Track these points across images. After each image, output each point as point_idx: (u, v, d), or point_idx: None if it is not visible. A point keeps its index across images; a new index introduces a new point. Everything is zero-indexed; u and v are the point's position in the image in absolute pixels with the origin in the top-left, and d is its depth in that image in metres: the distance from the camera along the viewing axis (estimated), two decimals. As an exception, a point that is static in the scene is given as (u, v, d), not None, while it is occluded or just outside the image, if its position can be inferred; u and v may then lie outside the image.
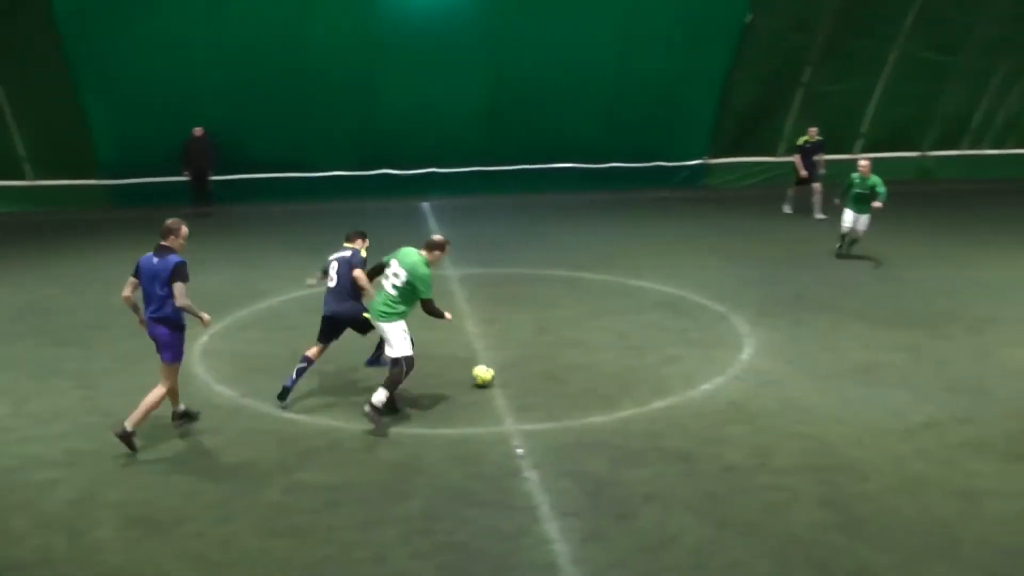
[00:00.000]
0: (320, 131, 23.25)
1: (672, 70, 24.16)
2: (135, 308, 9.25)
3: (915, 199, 23.82)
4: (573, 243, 18.77)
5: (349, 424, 9.79)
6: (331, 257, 10.83)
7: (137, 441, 9.14)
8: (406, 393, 10.45)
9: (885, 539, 7.48)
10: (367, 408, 9.55)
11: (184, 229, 9.24)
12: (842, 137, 26.66)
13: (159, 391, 9.21)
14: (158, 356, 9.28)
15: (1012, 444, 9.39)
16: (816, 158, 22.25)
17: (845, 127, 26.56)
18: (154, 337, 9.20)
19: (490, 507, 7.98)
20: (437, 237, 10.23)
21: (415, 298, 9.86)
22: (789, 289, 15.35)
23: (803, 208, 21.94)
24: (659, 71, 24.08)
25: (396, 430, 9.66)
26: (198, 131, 21.94)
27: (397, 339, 9.76)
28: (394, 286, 9.84)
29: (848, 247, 17.89)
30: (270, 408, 10.23)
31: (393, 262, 9.96)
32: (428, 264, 9.90)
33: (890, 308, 14.37)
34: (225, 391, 10.81)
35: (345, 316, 10.61)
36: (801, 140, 22.54)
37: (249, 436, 9.55)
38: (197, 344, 12.26)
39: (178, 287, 8.90)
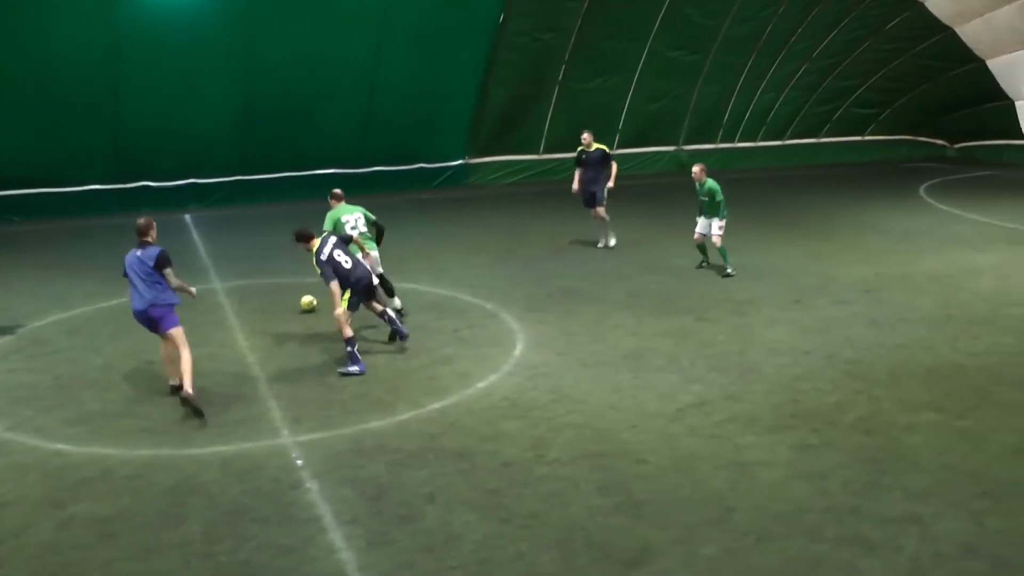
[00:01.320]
0: (70, 143, 22.08)
1: (428, 71, 24.37)
2: None
3: (672, 191, 24.97)
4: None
5: (119, 450, 9.37)
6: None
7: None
8: (174, 415, 10.16)
9: (664, 516, 7.79)
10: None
11: (154, 224, 10.97)
12: (601, 133, 27.62)
13: (187, 354, 10.37)
14: (161, 335, 10.58)
15: (776, 416, 9.99)
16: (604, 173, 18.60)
17: (603, 124, 27.48)
18: (155, 319, 10.41)
19: (271, 522, 7.82)
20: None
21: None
22: (556, 283, 15.77)
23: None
24: (415, 72, 24.25)
25: (169, 451, 9.33)
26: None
27: None
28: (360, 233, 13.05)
29: (707, 256, 16.88)
30: (36, 441, 9.66)
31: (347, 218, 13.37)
32: None
33: (654, 296, 15.00)
34: (-18, 426, 10.15)
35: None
36: (578, 149, 19.17)
37: (14, 472, 8.97)
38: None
39: (168, 271, 10.42)
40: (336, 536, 7.56)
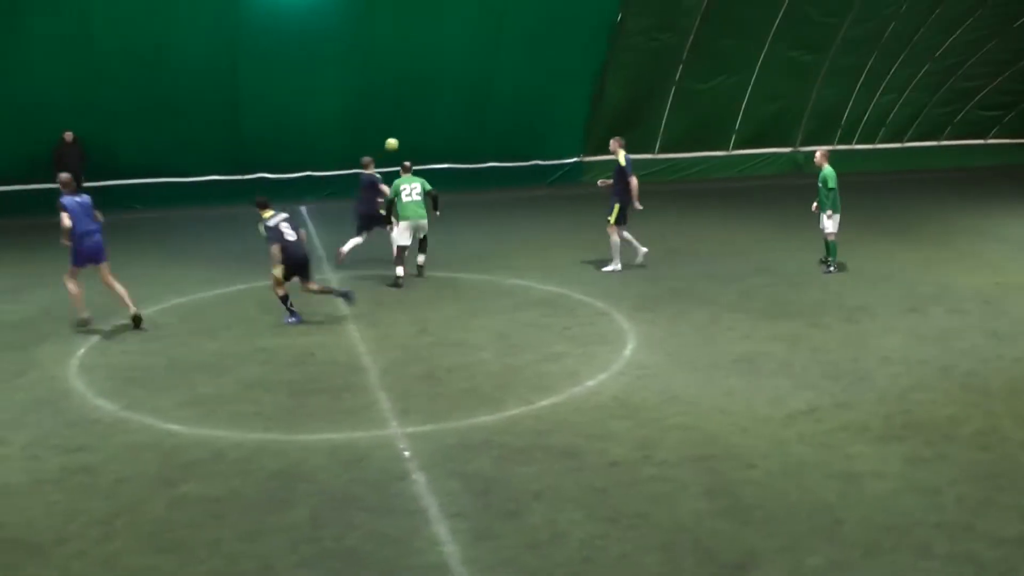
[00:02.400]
0: (191, 135, 22.87)
1: (544, 69, 24.49)
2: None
3: (789, 192, 24.61)
4: (451, 244, 18.81)
5: (230, 433, 9.66)
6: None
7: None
8: (285, 402, 10.44)
9: (770, 523, 7.72)
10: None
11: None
12: (718, 134, 27.47)
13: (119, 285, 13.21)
14: (99, 265, 13.10)
15: (887, 426, 9.79)
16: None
17: (719, 124, 27.32)
18: (98, 250, 13.15)
19: (377, 511, 7.97)
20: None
21: None
22: (667, 284, 15.72)
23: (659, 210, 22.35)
24: (531, 70, 24.41)
25: (279, 437, 9.58)
26: (69, 136, 21.35)
27: None
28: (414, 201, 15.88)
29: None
30: (151, 421, 10.03)
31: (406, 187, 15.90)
32: None
33: (767, 300, 14.83)
34: (104, 405, 10.55)
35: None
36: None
37: (129, 451, 9.34)
38: (74, 358, 11.99)
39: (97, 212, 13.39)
40: (441, 529, 7.66)
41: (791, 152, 29.67)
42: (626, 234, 16.85)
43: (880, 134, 31.14)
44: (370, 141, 23.69)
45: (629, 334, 12.94)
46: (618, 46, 24.87)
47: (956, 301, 14.82)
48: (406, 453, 9.14)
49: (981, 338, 12.94)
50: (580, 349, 12.31)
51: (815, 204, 16.98)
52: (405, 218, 15.81)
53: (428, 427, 9.78)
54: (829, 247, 16.43)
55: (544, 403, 10.41)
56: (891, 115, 30.87)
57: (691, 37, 25.59)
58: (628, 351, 12.23)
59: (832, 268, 16.38)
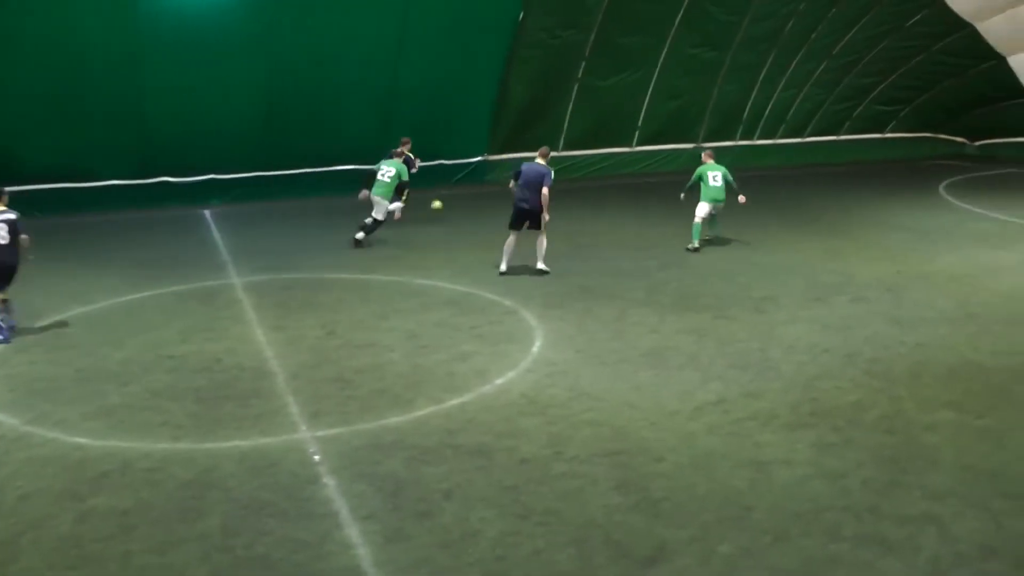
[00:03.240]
0: (92, 139, 22.10)
1: (448, 68, 24.39)
2: None
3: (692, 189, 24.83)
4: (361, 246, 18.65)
5: (139, 443, 9.40)
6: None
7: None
8: (193, 409, 10.22)
9: (681, 515, 7.77)
10: None
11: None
12: (620, 131, 27.65)
13: None
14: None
15: (794, 414, 9.96)
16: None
17: (623, 121, 27.48)
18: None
19: (289, 517, 7.83)
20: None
21: None
22: (575, 281, 15.76)
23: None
24: (435, 70, 24.26)
25: (188, 446, 9.36)
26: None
27: None
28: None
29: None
30: (56, 434, 9.70)
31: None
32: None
33: (673, 294, 14.98)
34: (6, 419, 10.15)
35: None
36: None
37: (33, 466, 9.00)
38: (-30, 371, 11.60)
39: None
40: (353, 532, 7.56)
41: (694, 148, 29.99)
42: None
43: (781, 129, 31.71)
44: (276, 142, 23.54)
45: (537, 331, 12.95)
46: (521, 44, 24.86)
47: (858, 290, 15.16)
48: (316, 457, 9.00)
49: (883, 325, 13.25)
50: (489, 348, 12.26)
51: (742, 197, 18.31)
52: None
53: (338, 430, 9.65)
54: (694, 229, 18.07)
55: (454, 402, 10.35)
56: (791, 111, 31.45)
57: (593, 35, 25.68)
58: (536, 348, 12.23)
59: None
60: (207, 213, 22.91)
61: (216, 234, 20.35)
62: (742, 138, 31.01)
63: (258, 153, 23.81)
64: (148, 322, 13.65)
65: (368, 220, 18.68)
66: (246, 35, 22.16)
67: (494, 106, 25.97)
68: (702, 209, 18.39)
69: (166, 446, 9.35)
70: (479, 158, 26.96)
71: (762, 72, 29.30)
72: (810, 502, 8.00)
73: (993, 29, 29.06)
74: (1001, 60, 30.34)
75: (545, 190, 15.62)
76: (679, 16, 26.25)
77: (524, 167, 16.18)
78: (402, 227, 20.14)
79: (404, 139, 20.10)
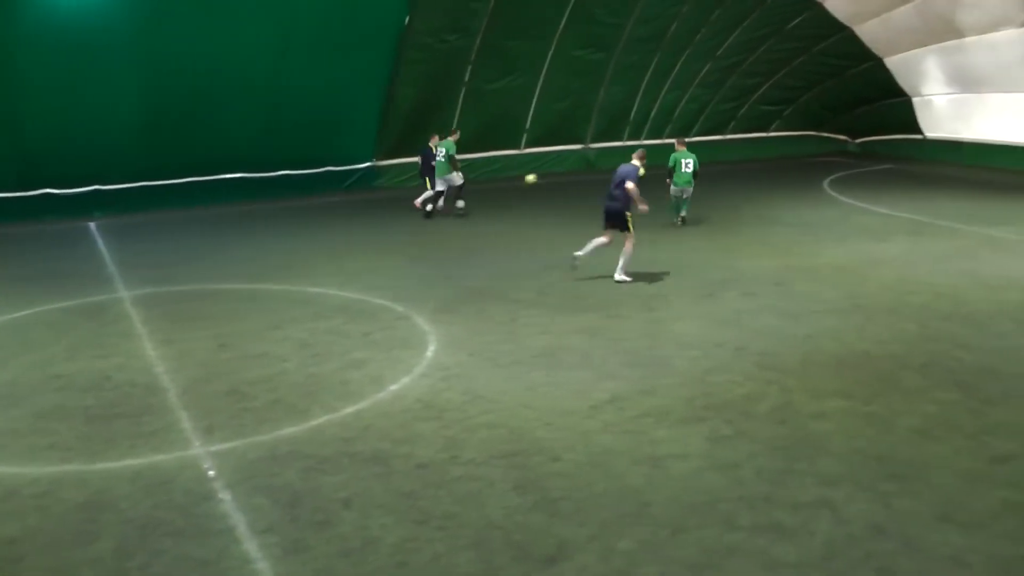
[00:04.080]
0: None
1: (334, 73, 24.12)
2: None
3: (581, 188, 25.16)
4: (249, 255, 18.37)
5: (25, 468, 9.07)
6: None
7: None
8: (83, 430, 9.93)
9: (579, 513, 7.81)
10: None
11: None
12: (508, 133, 27.72)
13: None
14: None
15: (688, 409, 10.10)
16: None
17: (510, 124, 27.56)
18: None
19: (184, 535, 7.65)
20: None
21: None
22: (466, 284, 15.76)
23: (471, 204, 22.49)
24: (321, 74, 23.97)
25: (78, 467, 9.07)
26: None
27: None
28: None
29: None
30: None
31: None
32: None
33: (564, 294, 15.07)
34: None
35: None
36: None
37: (-93, 495, 8.67)
38: None
39: None
40: (251, 546, 7.42)
41: (581, 149, 30.25)
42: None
43: (668, 129, 32.15)
44: (161, 151, 23.03)
45: (430, 336, 12.90)
46: (407, 48, 24.75)
47: (748, 285, 15.46)
48: (211, 472, 8.81)
49: (772, 318, 13.53)
50: (383, 354, 12.17)
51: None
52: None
53: (233, 444, 9.46)
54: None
55: (349, 410, 10.24)
56: (677, 111, 31.94)
57: (479, 38, 25.73)
58: (430, 353, 12.18)
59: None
60: (92, 225, 22.33)
61: (102, 247, 19.83)
62: (630, 138, 31.38)
63: (142, 162, 23.29)
64: (33, 340, 13.22)
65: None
66: (125, 41, 21.64)
67: (381, 111, 25.80)
68: (673, 192, 21.04)
69: (55, 469, 9.05)
70: (368, 164, 26.75)
71: (648, 73, 29.70)
72: (706, 494, 8.13)
73: (870, 32, 30.10)
74: (879, 61, 31.47)
75: (629, 184, 15.62)
76: (564, 19, 26.46)
77: (618, 169, 16.26)
78: (290, 235, 19.96)
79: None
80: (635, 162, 16.07)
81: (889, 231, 20.21)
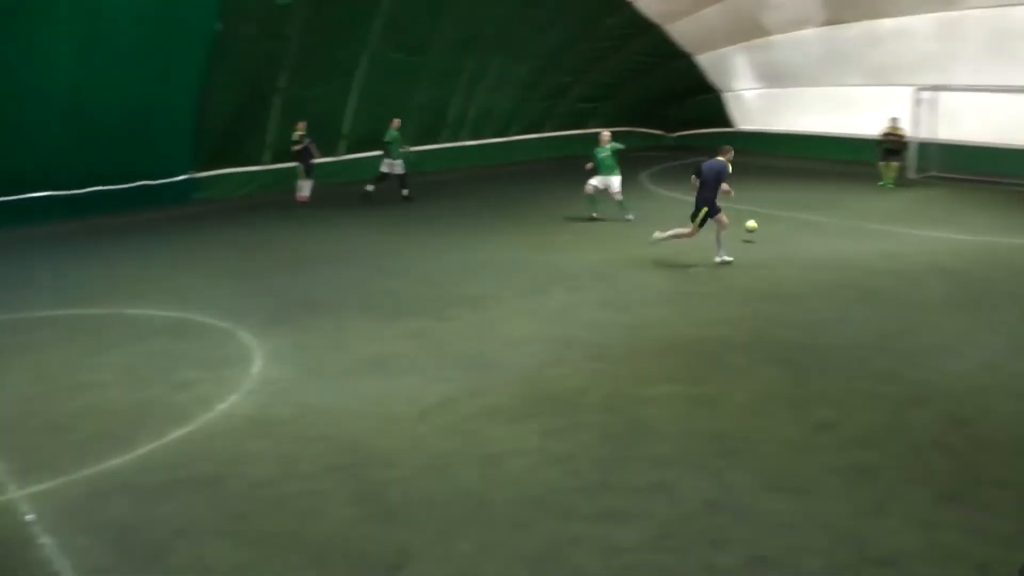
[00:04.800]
0: None
1: (143, 84, 23.09)
2: None
3: (397, 192, 25.05)
4: (63, 278, 17.52)
5: None
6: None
7: None
8: None
9: (418, 519, 7.79)
10: None
11: None
12: (326, 139, 27.31)
13: None
14: None
15: (521, 405, 10.22)
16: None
17: (327, 130, 27.15)
18: None
19: (4, 586, 7.27)
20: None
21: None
22: (290, 296, 15.42)
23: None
24: (130, 87, 22.90)
25: None
26: None
27: None
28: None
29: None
30: None
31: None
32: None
33: (391, 300, 14.98)
34: None
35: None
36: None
37: None
38: None
39: None
40: (80, 590, 7.09)
41: (401, 153, 30.00)
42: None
43: (486, 129, 32.33)
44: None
45: (257, 351, 12.58)
46: (222, 56, 23.97)
47: (573, 279, 15.72)
48: (29, 517, 8.30)
49: (598, 311, 13.80)
50: (209, 373, 11.78)
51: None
52: None
53: (53, 483, 8.94)
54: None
55: (177, 434, 9.89)
56: (494, 111, 32.14)
57: (294, 43, 25.22)
58: (257, 368, 11.88)
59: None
60: None
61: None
62: (449, 140, 31.44)
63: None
64: None
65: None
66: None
67: (197, 120, 24.89)
68: (590, 185, 21.57)
69: None
70: (185, 176, 25.80)
71: (464, 74, 29.78)
72: (543, 488, 8.22)
73: (680, 30, 31.20)
74: (690, 58, 32.69)
75: (724, 185, 16.81)
76: (378, 22, 26.25)
77: (704, 165, 16.98)
78: (107, 254, 19.23)
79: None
80: (721, 159, 17.10)
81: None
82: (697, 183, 16.79)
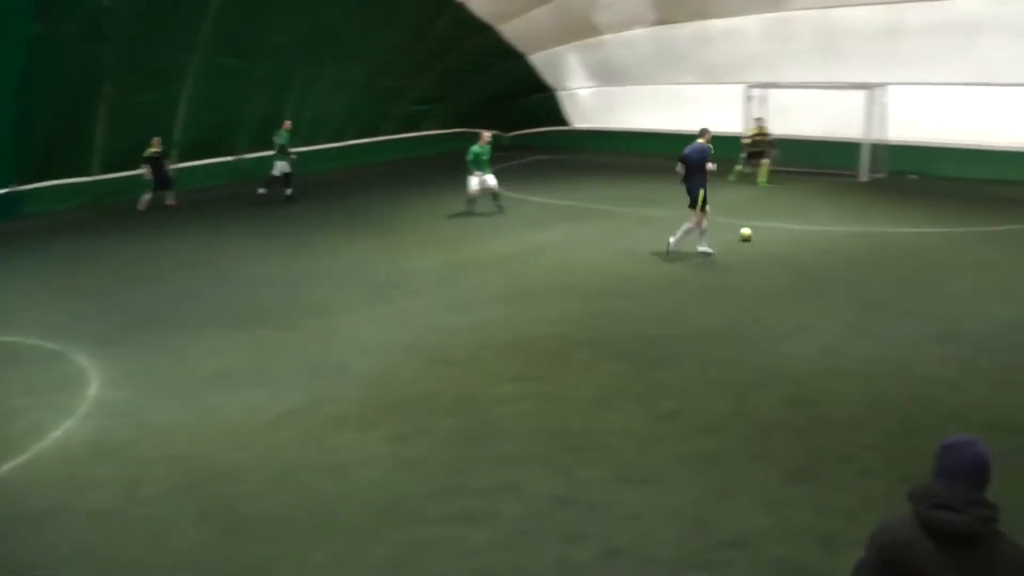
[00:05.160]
0: None
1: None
2: None
3: (233, 201, 24.59)
4: None
5: None
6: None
7: None
8: None
9: (270, 533, 7.68)
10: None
11: None
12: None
13: None
14: None
15: (368, 412, 10.19)
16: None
17: (160, 136, 26.21)
18: None
19: None
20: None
21: None
22: (126, 313, 14.84)
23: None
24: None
25: None
26: None
27: None
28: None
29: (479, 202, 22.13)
30: None
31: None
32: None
33: (233, 311, 14.64)
34: None
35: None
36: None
37: None
38: None
39: None
40: None
41: (235, 160, 29.37)
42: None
43: (322, 134, 31.96)
44: None
45: (92, 373, 12.03)
46: (40, 61, 22.82)
47: (415, 283, 15.72)
48: None
49: (442, 313, 13.84)
50: (40, 399, 11.14)
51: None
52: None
53: None
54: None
55: (8, 467, 9.35)
56: (329, 115, 31.78)
57: (120, 47, 24.21)
58: (93, 391, 11.36)
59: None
60: None
61: None
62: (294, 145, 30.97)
63: None
64: None
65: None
66: None
67: (16, 129, 23.57)
68: (473, 183, 22.30)
69: None
70: (6, 190, 24.44)
71: (295, 78, 29.36)
72: (393, 494, 8.21)
73: (512, 30, 31.55)
74: (523, 58, 33.06)
75: (710, 164, 16.89)
76: (206, 26, 25.56)
77: (688, 150, 17.08)
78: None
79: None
80: (701, 141, 17.16)
81: (547, 219, 21.17)
82: (683, 170, 17.05)
